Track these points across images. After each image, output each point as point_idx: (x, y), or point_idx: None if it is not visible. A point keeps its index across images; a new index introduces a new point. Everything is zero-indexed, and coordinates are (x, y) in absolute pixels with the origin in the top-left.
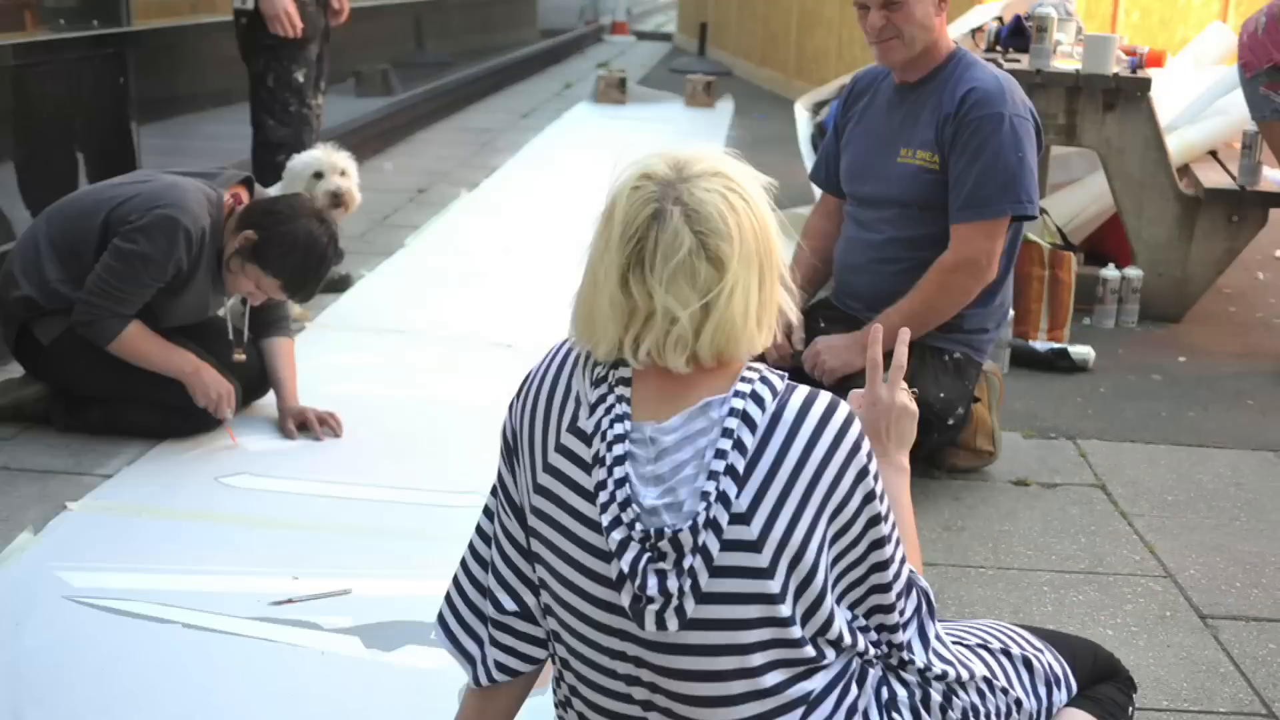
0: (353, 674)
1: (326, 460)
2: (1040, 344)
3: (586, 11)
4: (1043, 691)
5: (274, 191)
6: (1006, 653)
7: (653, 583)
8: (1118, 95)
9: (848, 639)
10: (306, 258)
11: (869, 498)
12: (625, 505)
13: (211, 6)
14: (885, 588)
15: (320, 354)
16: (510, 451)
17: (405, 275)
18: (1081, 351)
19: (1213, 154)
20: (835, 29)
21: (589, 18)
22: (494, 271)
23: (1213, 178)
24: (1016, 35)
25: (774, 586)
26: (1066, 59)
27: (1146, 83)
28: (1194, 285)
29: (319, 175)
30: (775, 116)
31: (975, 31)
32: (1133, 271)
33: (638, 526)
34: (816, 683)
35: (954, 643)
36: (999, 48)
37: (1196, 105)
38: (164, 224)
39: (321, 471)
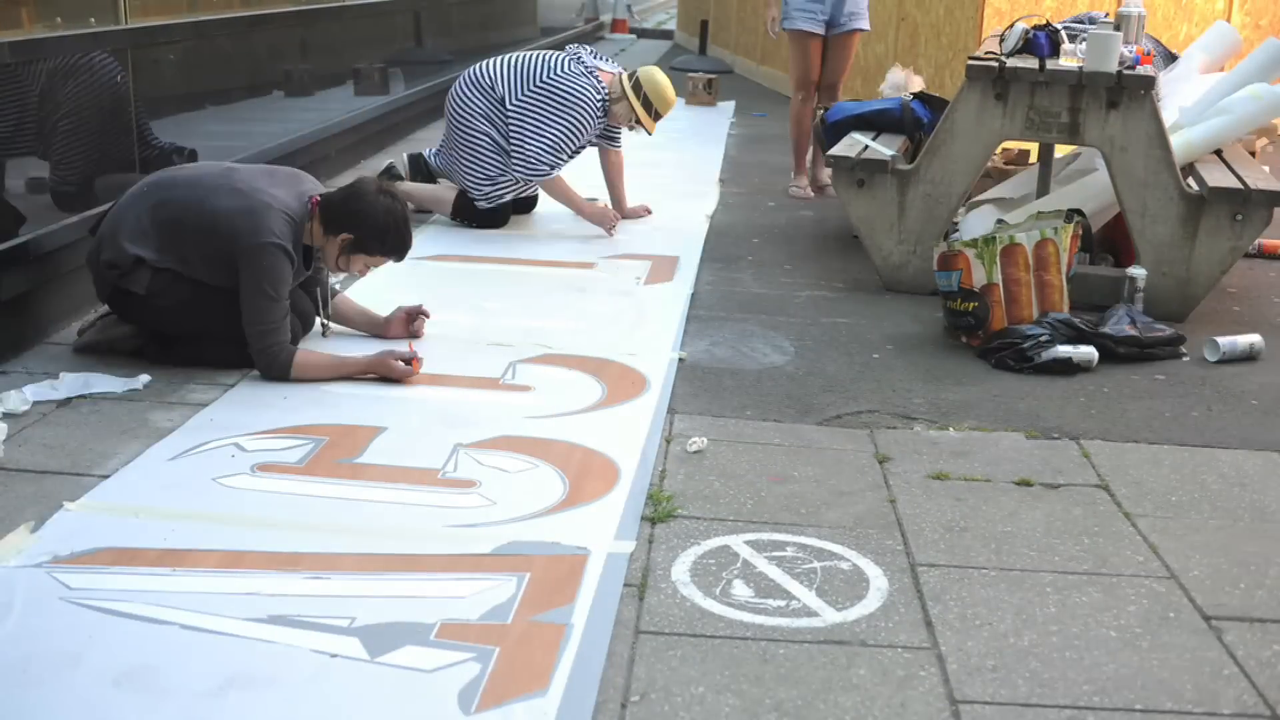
0: (352, 674)
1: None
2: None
3: (587, 9)
4: None
5: None
6: None
7: None
8: (1121, 93)
9: None
10: (397, 229)
11: None
12: None
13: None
14: None
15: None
16: None
17: (405, 275)
18: (1085, 353)
19: (1217, 153)
20: None
21: (589, 15)
22: (493, 271)
23: (1217, 176)
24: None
25: None
26: (1070, 57)
27: (1150, 80)
28: (1198, 284)
29: None
30: (776, 115)
31: (1000, 39)
32: (1137, 270)
33: None
34: None
35: None
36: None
37: (1200, 105)
38: (272, 252)
39: (332, 467)
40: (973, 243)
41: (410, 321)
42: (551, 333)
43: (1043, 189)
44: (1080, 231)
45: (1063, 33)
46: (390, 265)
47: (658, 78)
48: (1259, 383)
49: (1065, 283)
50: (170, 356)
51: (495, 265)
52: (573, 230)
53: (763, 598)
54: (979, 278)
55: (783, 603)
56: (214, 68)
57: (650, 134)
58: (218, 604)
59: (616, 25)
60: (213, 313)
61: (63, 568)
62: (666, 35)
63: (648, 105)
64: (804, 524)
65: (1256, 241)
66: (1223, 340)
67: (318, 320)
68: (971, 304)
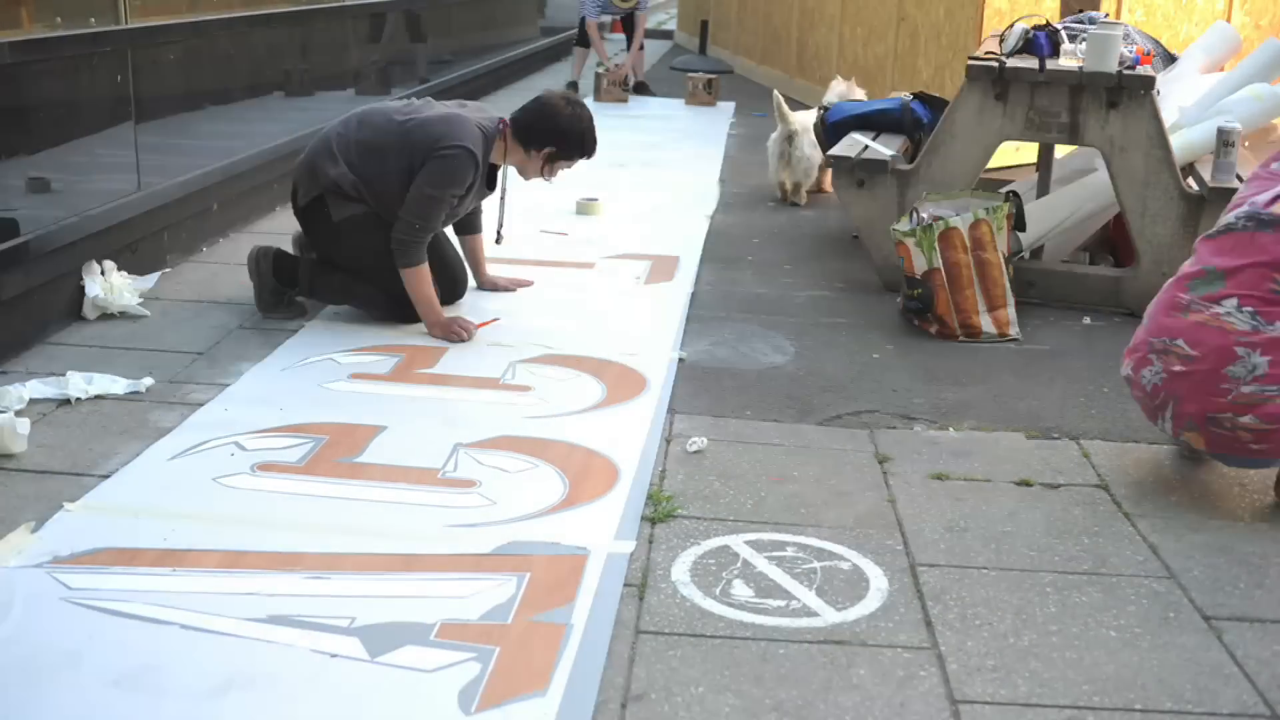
0: (352, 674)
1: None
2: None
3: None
4: None
5: None
6: None
7: None
8: (1121, 93)
9: None
10: (591, 132)
11: None
12: None
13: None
14: None
15: (329, 345)
16: None
17: None
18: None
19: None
20: (836, 27)
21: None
22: (493, 271)
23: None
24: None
25: None
26: (1070, 57)
27: (1150, 80)
28: None
29: None
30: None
31: (1000, 39)
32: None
33: None
34: None
35: None
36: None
37: (1200, 105)
38: (462, 155)
39: (338, 464)
40: (911, 232)
41: (499, 287)
42: (551, 333)
43: (1043, 189)
44: (1013, 211)
45: (1062, 33)
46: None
47: None
48: None
49: (1004, 260)
50: (324, 286)
51: (495, 265)
52: (573, 230)
53: (763, 598)
54: (920, 264)
55: (783, 603)
56: (214, 68)
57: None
58: (218, 604)
59: (617, 25)
60: (384, 262)
61: (63, 568)
62: (666, 35)
63: None
64: (804, 524)
65: None
66: None
67: (495, 231)
68: (916, 290)
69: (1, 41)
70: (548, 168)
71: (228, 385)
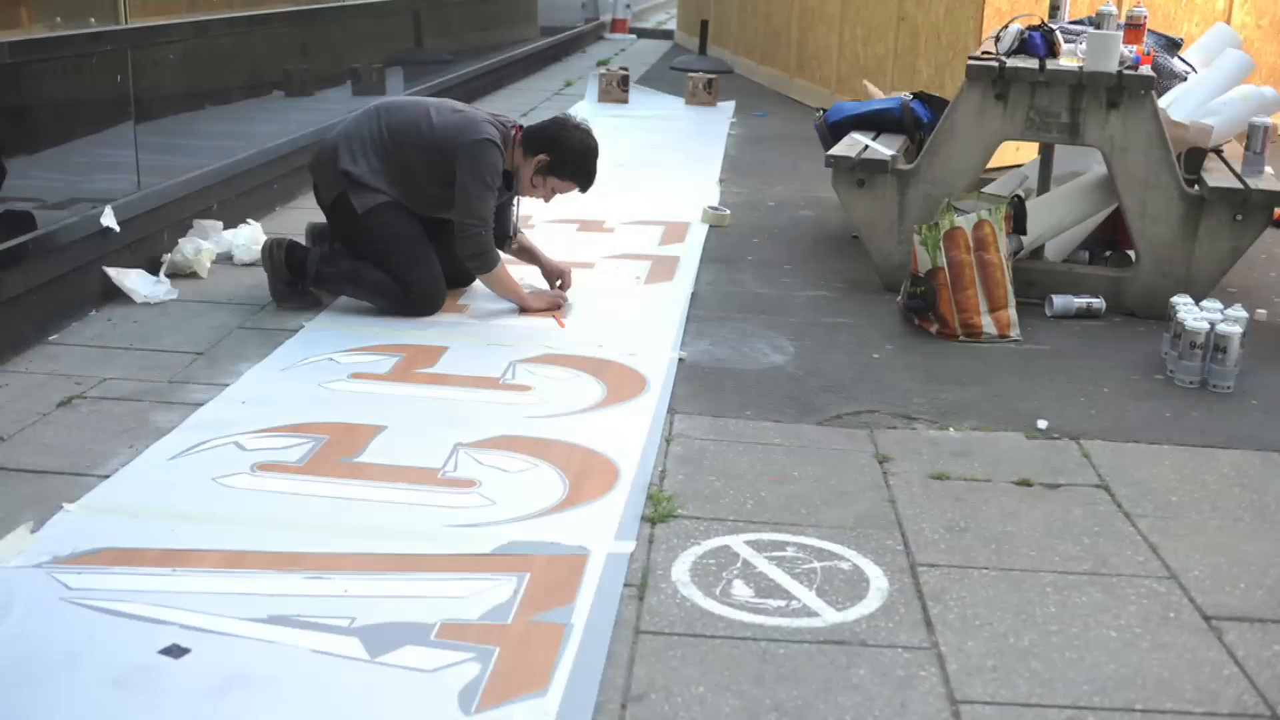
0: (352, 674)
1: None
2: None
3: (587, 9)
4: None
5: None
6: None
7: None
8: (1121, 93)
9: None
10: (588, 156)
11: None
12: None
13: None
14: None
15: (329, 345)
16: None
17: None
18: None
19: (1216, 152)
20: (836, 26)
21: (589, 15)
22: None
23: (1217, 177)
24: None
25: None
26: (1070, 57)
27: (1150, 80)
28: (1198, 284)
29: None
30: (776, 114)
31: (996, 39)
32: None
33: None
34: None
35: None
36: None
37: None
38: (490, 147)
39: (338, 466)
40: (917, 229)
41: (558, 277)
42: (551, 333)
43: (1043, 189)
44: (1012, 213)
45: (1058, 33)
46: None
47: None
48: (1259, 383)
49: (1004, 260)
50: (331, 274)
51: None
52: (573, 231)
53: (763, 598)
54: (924, 262)
55: (783, 603)
56: (214, 68)
57: None
58: (218, 604)
59: (616, 25)
60: (402, 255)
61: (63, 568)
62: (666, 35)
63: None
64: (804, 524)
65: None
66: (1058, 298)
67: (508, 235)
68: (919, 288)
69: (1, 41)
70: (540, 179)
71: (228, 385)
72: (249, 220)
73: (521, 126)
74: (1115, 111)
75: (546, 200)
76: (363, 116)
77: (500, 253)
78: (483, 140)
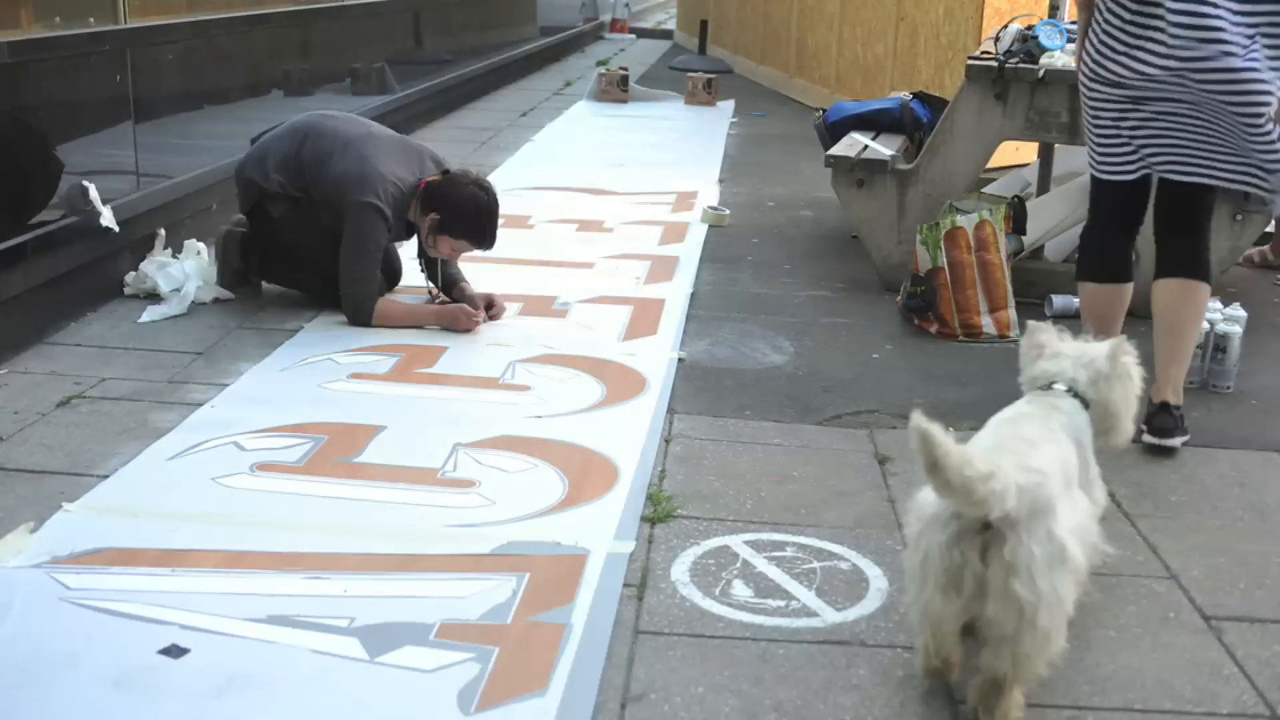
0: (352, 674)
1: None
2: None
3: (586, 9)
4: None
5: None
6: None
7: None
8: None
9: None
10: (477, 215)
11: None
12: None
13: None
14: None
15: (328, 345)
16: None
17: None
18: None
19: None
20: (836, 26)
21: (589, 15)
22: (494, 271)
23: None
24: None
25: None
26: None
27: None
28: None
29: None
30: (776, 114)
31: (995, 39)
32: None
33: None
34: None
35: None
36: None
37: None
38: (371, 212)
39: (332, 467)
40: (918, 229)
41: (489, 306)
42: (551, 333)
43: (1043, 189)
44: (1011, 213)
45: (1058, 31)
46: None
47: None
48: (1259, 383)
49: (1004, 260)
50: (271, 270)
51: (496, 265)
52: (573, 231)
53: (762, 598)
54: (924, 262)
55: (782, 603)
56: (214, 68)
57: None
58: (217, 604)
59: (616, 25)
60: (321, 255)
61: (62, 568)
62: (666, 35)
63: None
64: (804, 524)
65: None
66: (1058, 299)
67: (430, 288)
68: (920, 288)
69: (1, 41)
70: (432, 236)
71: (227, 385)
72: (199, 249)
73: (426, 182)
74: None
75: (449, 258)
76: (286, 132)
77: (386, 297)
78: (365, 204)
